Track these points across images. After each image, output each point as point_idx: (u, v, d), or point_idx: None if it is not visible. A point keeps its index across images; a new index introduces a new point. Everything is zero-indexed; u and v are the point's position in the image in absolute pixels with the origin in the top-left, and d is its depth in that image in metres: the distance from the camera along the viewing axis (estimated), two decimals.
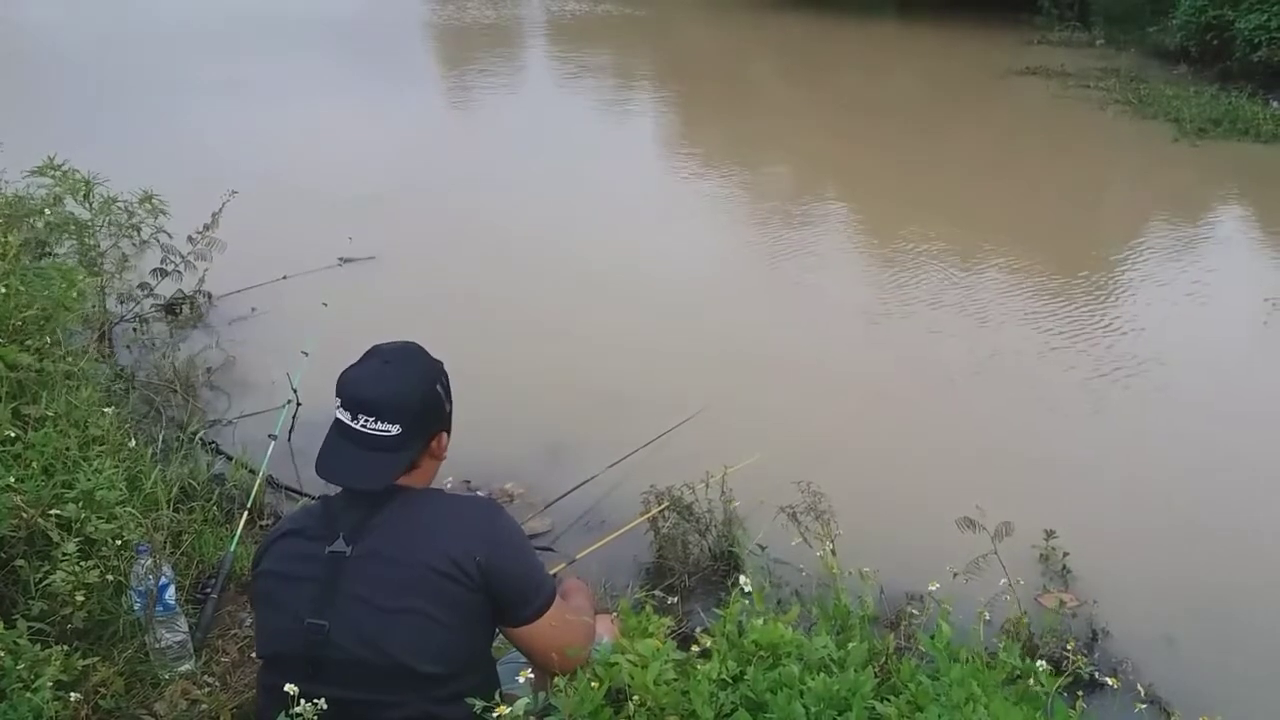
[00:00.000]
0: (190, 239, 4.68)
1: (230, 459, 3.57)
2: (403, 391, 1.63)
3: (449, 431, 1.74)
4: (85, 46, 12.49)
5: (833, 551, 2.19)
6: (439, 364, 1.75)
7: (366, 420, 1.59)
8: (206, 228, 4.69)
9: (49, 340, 3.24)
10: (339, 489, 1.66)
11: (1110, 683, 2.08)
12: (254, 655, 2.14)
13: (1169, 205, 7.54)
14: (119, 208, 4.46)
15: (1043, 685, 1.63)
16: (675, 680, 1.55)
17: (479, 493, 3.61)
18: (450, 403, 1.74)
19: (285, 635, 1.58)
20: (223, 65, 11.48)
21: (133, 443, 3.14)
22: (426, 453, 1.68)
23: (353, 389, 1.63)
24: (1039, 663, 1.67)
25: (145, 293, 4.69)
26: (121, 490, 2.55)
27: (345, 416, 1.61)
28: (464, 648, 1.59)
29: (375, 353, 1.70)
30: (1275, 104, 10.05)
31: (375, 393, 1.61)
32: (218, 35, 13.68)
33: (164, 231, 4.59)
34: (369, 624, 1.54)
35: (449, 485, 3.44)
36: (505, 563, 1.60)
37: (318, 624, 1.54)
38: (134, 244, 4.56)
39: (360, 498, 1.62)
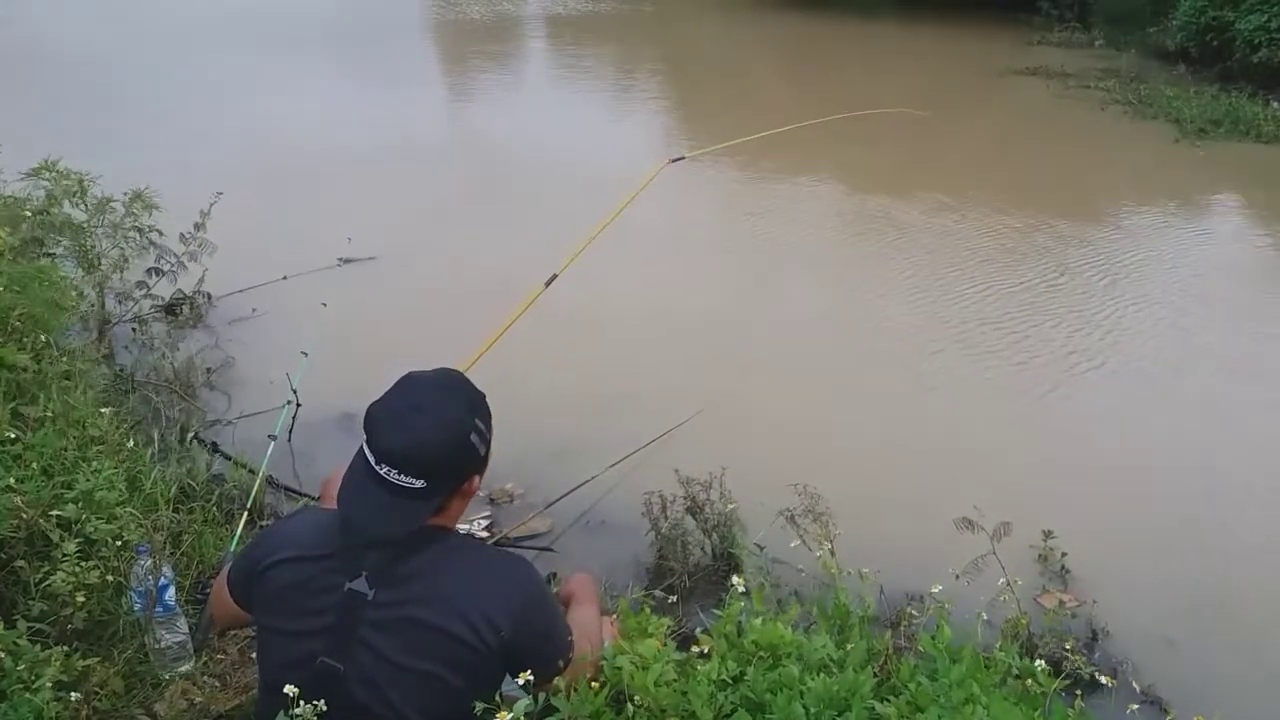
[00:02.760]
0: (182, 237, 4.66)
1: (230, 459, 3.57)
2: (430, 445, 1.51)
3: (483, 472, 1.64)
4: (85, 46, 12.47)
5: (831, 552, 2.19)
6: (477, 400, 1.61)
7: (389, 470, 1.49)
8: (197, 228, 4.67)
9: (45, 340, 3.24)
10: None
11: (1108, 682, 2.08)
12: (253, 656, 2.15)
13: (1170, 205, 7.53)
14: (114, 206, 4.44)
15: (1041, 685, 1.63)
16: (675, 681, 1.55)
17: (479, 493, 3.60)
18: (488, 443, 1.61)
19: (295, 667, 1.52)
20: (223, 63, 11.47)
21: (132, 443, 3.13)
22: (457, 495, 1.60)
23: (377, 434, 1.52)
24: (1038, 663, 1.68)
25: (143, 293, 4.68)
26: (121, 491, 2.54)
27: (370, 458, 1.51)
28: (470, 706, 1.55)
29: (407, 388, 1.57)
30: (1276, 104, 10.05)
31: (400, 444, 1.50)
32: (218, 34, 13.66)
33: (158, 230, 4.58)
34: (382, 678, 1.51)
35: None
36: (530, 637, 1.57)
37: (332, 666, 1.51)
38: (134, 244, 4.55)
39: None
